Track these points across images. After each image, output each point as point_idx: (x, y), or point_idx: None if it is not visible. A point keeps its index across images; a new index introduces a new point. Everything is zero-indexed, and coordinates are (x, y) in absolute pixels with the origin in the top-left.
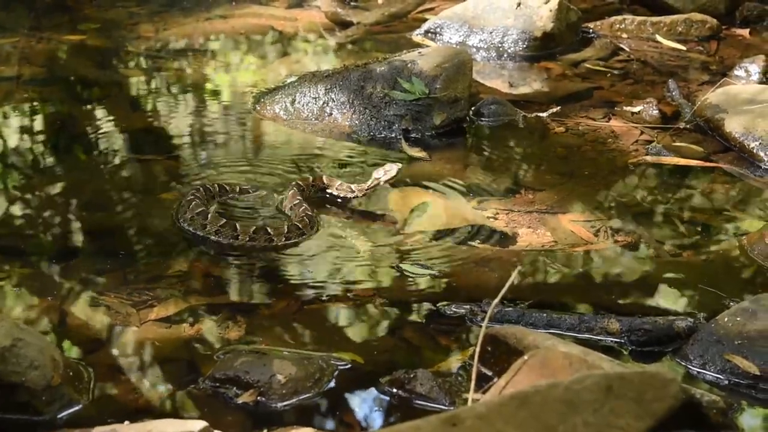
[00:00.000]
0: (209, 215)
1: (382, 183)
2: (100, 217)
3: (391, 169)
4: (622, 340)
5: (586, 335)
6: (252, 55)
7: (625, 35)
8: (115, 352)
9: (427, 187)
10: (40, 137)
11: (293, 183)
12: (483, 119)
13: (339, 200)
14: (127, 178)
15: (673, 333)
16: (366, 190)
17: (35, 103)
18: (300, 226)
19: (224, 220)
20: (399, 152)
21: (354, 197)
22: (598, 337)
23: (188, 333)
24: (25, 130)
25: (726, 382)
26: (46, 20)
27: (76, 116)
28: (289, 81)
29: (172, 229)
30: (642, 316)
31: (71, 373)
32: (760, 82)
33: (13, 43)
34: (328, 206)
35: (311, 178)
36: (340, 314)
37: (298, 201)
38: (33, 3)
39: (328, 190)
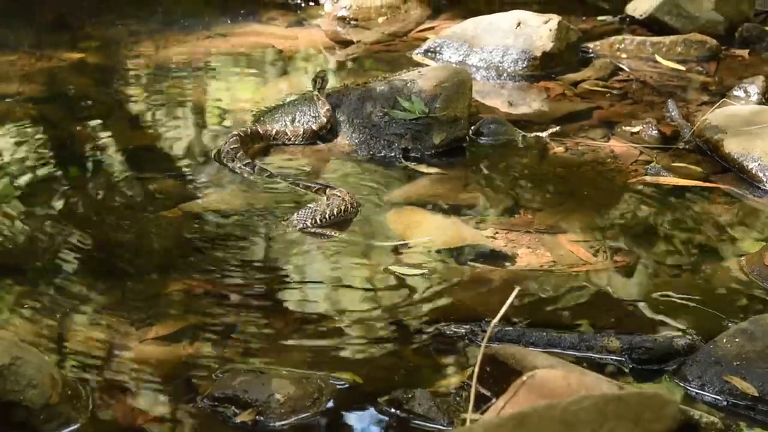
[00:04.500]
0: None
1: (320, 123)
2: (100, 235)
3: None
4: (623, 358)
5: (587, 354)
6: (252, 73)
7: (624, 55)
8: (113, 370)
9: (426, 207)
10: (40, 155)
11: (235, 132)
12: (482, 138)
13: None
14: (126, 196)
15: (673, 350)
16: (302, 135)
17: (35, 121)
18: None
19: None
20: (403, 170)
21: (293, 142)
22: (599, 356)
23: (187, 352)
24: (24, 147)
25: (724, 403)
26: (46, 38)
27: (76, 134)
28: (288, 99)
29: (171, 248)
30: (642, 334)
31: (69, 392)
32: (759, 103)
33: (13, 61)
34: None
35: (249, 129)
36: (339, 333)
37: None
38: (33, 20)
39: (271, 140)
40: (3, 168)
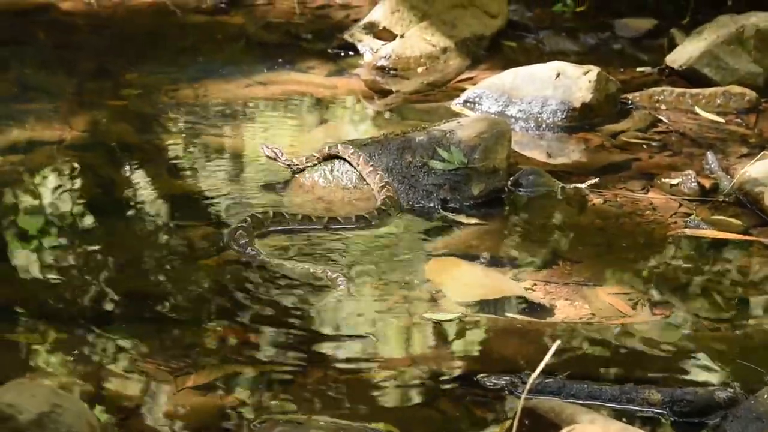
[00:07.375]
0: None
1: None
2: (139, 282)
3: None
4: (664, 411)
5: (628, 406)
6: (291, 121)
7: (663, 107)
8: (151, 419)
9: (464, 257)
10: (80, 201)
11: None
12: (521, 190)
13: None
14: (165, 244)
15: (714, 403)
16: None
17: (76, 168)
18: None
19: None
20: (442, 220)
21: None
22: (640, 408)
23: (225, 401)
24: (65, 193)
25: None
26: (88, 85)
27: (116, 181)
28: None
29: (210, 296)
30: (682, 387)
31: None
32: None
33: (55, 108)
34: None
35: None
36: (377, 383)
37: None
38: (75, 68)
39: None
40: (43, 214)
